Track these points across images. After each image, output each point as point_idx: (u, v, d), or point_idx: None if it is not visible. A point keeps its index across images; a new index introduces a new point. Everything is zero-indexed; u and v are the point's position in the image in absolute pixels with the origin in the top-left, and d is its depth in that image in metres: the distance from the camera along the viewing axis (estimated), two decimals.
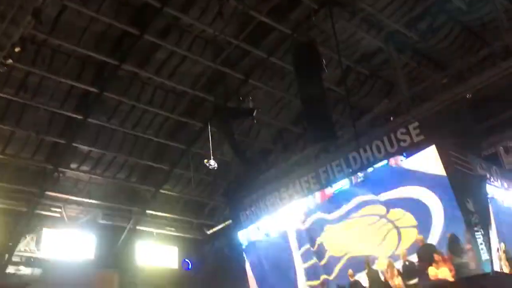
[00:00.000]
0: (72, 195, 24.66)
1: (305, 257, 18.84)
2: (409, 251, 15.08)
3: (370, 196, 16.49)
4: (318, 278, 18.06)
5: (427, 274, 13.89)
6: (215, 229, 28.44)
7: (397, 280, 14.77)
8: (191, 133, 24.68)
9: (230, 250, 23.87)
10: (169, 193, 27.14)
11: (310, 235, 18.67)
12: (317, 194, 18.47)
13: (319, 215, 18.31)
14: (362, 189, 16.79)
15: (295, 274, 19.08)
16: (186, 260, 30.48)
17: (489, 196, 15.16)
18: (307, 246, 18.82)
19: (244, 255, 21.88)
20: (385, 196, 16.02)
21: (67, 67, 20.77)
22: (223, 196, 27.18)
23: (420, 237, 14.80)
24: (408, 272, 14.69)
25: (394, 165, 15.89)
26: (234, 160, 23.86)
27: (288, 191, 19.78)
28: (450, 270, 13.50)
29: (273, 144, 27.10)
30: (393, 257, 15.38)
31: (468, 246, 13.78)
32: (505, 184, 16.85)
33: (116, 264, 26.17)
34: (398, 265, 15.12)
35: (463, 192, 14.20)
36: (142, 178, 26.08)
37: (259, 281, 20.59)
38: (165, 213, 27.87)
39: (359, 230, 16.78)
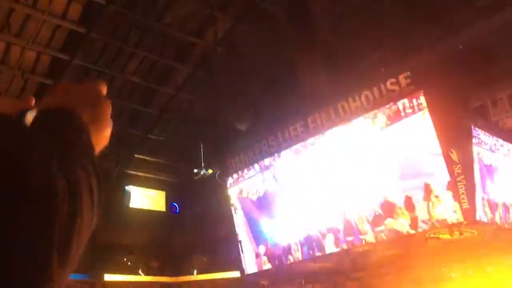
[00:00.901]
0: None
1: (291, 202, 19.39)
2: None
3: None
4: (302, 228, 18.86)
5: (386, 225, 15.37)
6: (203, 174, 28.64)
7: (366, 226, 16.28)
8: (181, 78, 24.41)
9: (218, 195, 24.20)
10: (158, 138, 27.18)
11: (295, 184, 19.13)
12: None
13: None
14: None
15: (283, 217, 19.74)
16: (174, 204, 31.08)
17: (474, 147, 15.43)
18: (293, 191, 19.29)
19: (232, 199, 22.37)
20: None
21: (52, 4, 20.13)
22: (212, 142, 27.25)
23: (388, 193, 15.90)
24: (375, 220, 16.09)
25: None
26: (223, 106, 23.76)
27: (277, 139, 20.00)
28: (409, 223, 14.98)
29: (264, 93, 26.92)
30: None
31: (449, 196, 14.40)
32: (491, 136, 17.08)
33: (103, 206, 26.43)
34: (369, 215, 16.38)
35: (448, 142, 14.47)
36: (130, 122, 25.97)
37: (249, 223, 21.29)
38: (153, 158, 28.00)
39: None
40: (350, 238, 16.93)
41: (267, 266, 20.77)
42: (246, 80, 25.01)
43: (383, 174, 16.09)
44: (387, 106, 16.02)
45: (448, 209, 14.67)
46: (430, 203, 14.96)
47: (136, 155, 27.11)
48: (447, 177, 14.47)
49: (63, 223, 1.03)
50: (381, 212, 15.90)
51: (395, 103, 15.81)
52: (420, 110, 15.16)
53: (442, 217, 14.75)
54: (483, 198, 15.32)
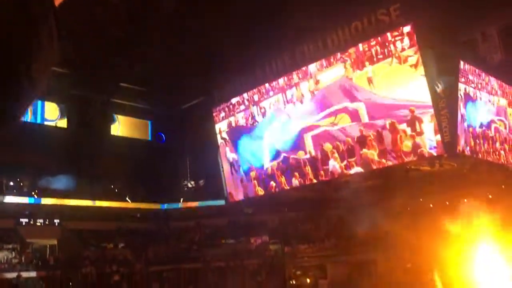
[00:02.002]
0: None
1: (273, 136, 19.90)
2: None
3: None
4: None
5: (361, 154, 16.67)
6: (189, 104, 28.54)
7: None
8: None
9: (205, 126, 24.25)
10: (144, 67, 26.60)
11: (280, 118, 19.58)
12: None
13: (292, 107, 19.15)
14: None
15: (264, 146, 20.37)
16: (160, 133, 31.20)
17: (460, 84, 15.55)
18: (278, 124, 19.73)
19: (219, 131, 22.56)
20: None
21: None
22: (200, 72, 26.83)
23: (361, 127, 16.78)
24: (349, 152, 17.36)
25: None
26: (214, 34, 23.09)
27: (264, 71, 19.94)
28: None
29: (254, 23, 26.18)
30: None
31: (431, 129, 14.72)
32: (478, 73, 17.12)
33: (90, 134, 26.51)
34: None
35: (434, 76, 14.55)
36: (115, 50, 25.28)
37: (235, 153, 21.81)
38: (139, 86, 27.63)
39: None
40: (326, 167, 17.88)
41: (251, 194, 21.41)
42: (237, 11, 24.25)
43: (361, 108, 16.68)
44: (375, 38, 16.02)
45: (429, 141, 15.07)
46: (411, 135, 15.41)
47: (121, 84, 26.70)
48: (430, 110, 14.72)
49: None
50: (356, 143, 16.79)
51: (384, 34, 15.82)
52: (408, 42, 15.16)
53: (424, 149, 15.15)
54: (465, 131, 15.70)
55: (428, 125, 14.86)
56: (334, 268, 26.13)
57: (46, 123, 25.69)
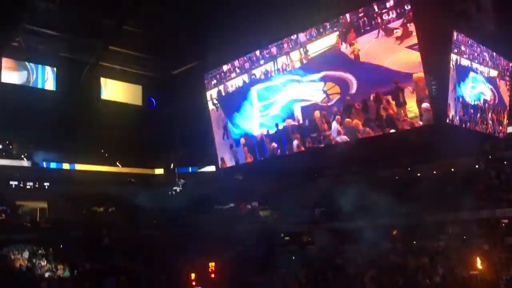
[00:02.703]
0: (29, 24, 23.40)
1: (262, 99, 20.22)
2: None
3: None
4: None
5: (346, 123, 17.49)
6: (181, 69, 28.22)
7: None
8: None
9: (196, 92, 24.10)
10: (134, 29, 26.13)
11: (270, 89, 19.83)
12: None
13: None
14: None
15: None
16: (151, 98, 30.95)
17: (453, 55, 15.59)
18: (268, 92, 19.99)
19: (210, 98, 22.49)
20: None
21: None
22: (192, 37, 26.44)
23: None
24: (336, 121, 17.96)
25: None
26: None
27: (256, 37, 19.87)
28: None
29: None
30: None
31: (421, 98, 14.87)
32: (470, 41, 17.10)
33: (80, 97, 26.27)
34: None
35: (427, 45, 14.57)
36: (104, 11, 24.76)
37: (226, 120, 21.97)
38: (129, 50, 27.20)
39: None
40: (314, 134, 18.39)
41: (242, 161, 21.59)
42: None
43: (349, 78, 16.88)
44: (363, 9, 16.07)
45: (415, 111, 15.18)
46: (396, 106, 15.64)
47: (111, 47, 26.24)
48: (416, 81, 14.84)
49: None
50: (343, 112, 17.26)
51: (371, 6, 15.80)
52: (394, 15, 15.21)
53: (413, 119, 15.30)
54: (455, 99, 15.84)
55: (418, 95, 14.97)
56: (321, 235, 26.61)
57: (35, 86, 25.35)
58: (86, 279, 20.96)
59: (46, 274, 20.46)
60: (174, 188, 30.66)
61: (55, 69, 25.69)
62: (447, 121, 15.40)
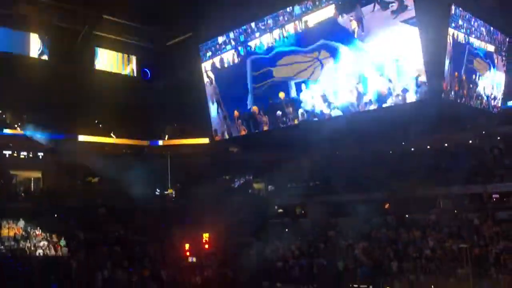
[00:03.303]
0: None
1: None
2: None
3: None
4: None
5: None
6: (176, 39, 27.80)
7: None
8: None
9: (191, 64, 23.85)
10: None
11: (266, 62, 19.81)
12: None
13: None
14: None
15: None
16: (146, 69, 30.59)
17: (450, 29, 15.48)
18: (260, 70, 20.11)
19: (205, 70, 22.32)
20: None
21: None
22: (187, 7, 25.91)
23: None
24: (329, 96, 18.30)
25: None
26: None
27: (251, 9, 19.65)
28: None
29: None
30: None
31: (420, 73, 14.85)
32: (467, 16, 16.95)
33: (73, 67, 25.92)
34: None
35: (424, 21, 14.44)
36: None
37: (220, 92, 22.00)
38: (123, 19, 26.67)
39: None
40: (308, 109, 18.57)
41: (236, 133, 21.60)
42: None
43: (344, 52, 16.85)
44: None
45: (409, 85, 15.26)
46: (389, 80, 15.73)
47: (105, 16, 25.73)
48: (420, 56, 14.72)
49: None
50: (337, 87, 17.43)
51: None
52: None
53: (403, 94, 15.36)
54: (451, 75, 15.81)
55: (414, 70, 14.91)
56: (314, 207, 26.85)
57: (27, 55, 24.96)
58: (81, 248, 21.16)
59: (41, 243, 20.63)
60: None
61: (48, 38, 25.22)
62: (442, 95, 15.40)
